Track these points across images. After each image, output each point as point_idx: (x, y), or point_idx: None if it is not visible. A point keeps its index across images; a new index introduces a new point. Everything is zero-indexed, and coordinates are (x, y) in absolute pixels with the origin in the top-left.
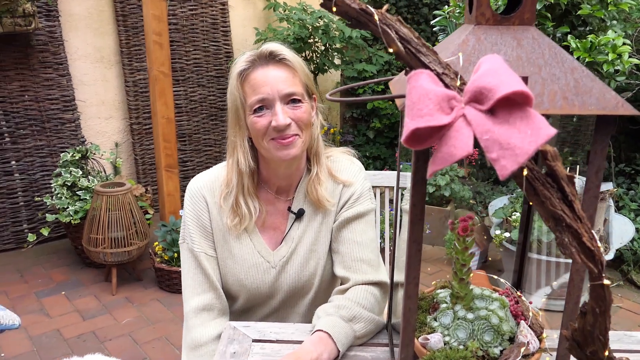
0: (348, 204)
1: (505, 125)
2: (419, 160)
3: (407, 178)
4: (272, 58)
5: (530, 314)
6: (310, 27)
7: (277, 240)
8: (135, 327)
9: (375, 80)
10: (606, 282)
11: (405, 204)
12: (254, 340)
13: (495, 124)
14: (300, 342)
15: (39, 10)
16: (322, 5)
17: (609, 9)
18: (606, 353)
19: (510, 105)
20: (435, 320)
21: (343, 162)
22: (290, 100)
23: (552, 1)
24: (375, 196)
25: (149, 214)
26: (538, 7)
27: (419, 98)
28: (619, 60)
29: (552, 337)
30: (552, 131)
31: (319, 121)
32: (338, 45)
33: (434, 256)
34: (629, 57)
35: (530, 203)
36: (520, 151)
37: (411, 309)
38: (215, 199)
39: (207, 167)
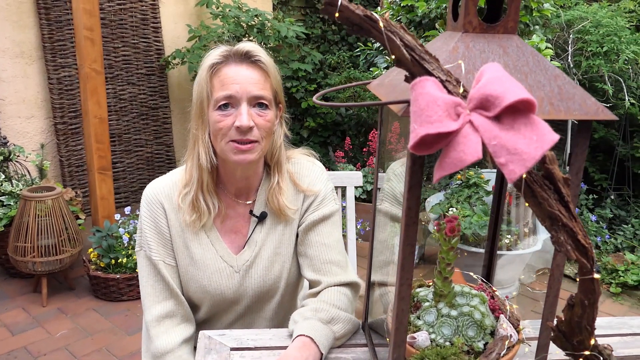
0: (313, 206)
1: (511, 132)
2: (415, 164)
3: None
4: (247, 57)
5: (507, 307)
6: (245, 25)
7: (240, 244)
8: (72, 339)
9: (355, 83)
10: (596, 276)
11: (380, 204)
12: (232, 349)
13: (501, 130)
14: (278, 347)
15: None
16: (323, 10)
17: (533, 14)
18: (592, 341)
19: (515, 112)
20: (419, 318)
21: (304, 164)
22: (257, 103)
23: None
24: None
25: (80, 219)
26: None
27: (427, 105)
28: None
29: (528, 328)
30: (556, 137)
31: (283, 130)
32: (272, 44)
33: None
34: (551, 60)
35: (527, 204)
36: (527, 156)
37: (404, 310)
38: (173, 205)
39: (139, 169)
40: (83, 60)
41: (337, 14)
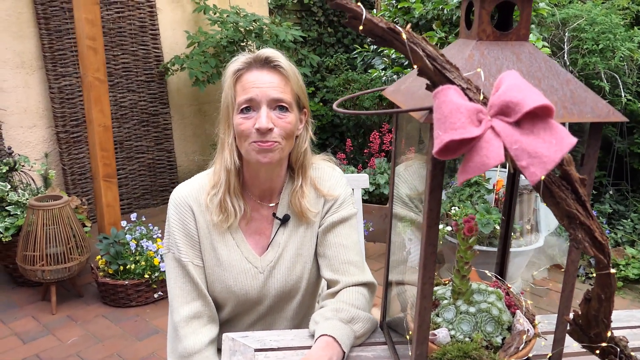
0: (332, 209)
1: (531, 136)
2: (436, 168)
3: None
4: (267, 63)
5: (523, 303)
6: (243, 30)
7: (263, 245)
8: (83, 346)
9: (371, 90)
10: (612, 270)
11: (396, 208)
12: (256, 350)
13: (522, 135)
14: (301, 347)
15: None
16: (347, 23)
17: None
18: (609, 333)
19: (534, 117)
20: (438, 316)
21: (325, 169)
22: (278, 106)
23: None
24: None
25: (86, 226)
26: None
27: (451, 112)
28: None
29: (543, 323)
30: (574, 140)
31: (309, 135)
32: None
33: (377, 252)
34: None
35: (545, 204)
36: (547, 159)
37: (426, 307)
38: (201, 207)
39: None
40: (86, 69)
41: (361, 27)
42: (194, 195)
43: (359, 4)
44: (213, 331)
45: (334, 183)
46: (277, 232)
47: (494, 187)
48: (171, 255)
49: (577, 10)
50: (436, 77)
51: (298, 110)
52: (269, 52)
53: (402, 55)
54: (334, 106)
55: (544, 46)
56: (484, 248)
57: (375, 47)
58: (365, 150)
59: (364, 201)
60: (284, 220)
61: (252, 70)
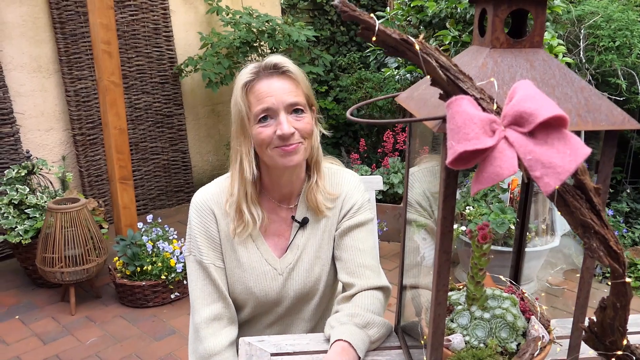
0: (349, 214)
1: (545, 146)
2: (449, 176)
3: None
4: (276, 70)
5: (538, 309)
6: (256, 31)
7: (282, 247)
8: (102, 346)
9: (384, 97)
10: (627, 279)
11: (410, 214)
12: (272, 354)
13: (535, 145)
14: (316, 352)
15: None
16: (359, 34)
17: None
18: (624, 342)
19: (548, 127)
20: (453, 321)
21: (345, 175)
22: (294, 110)
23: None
24: None
25: (104, 228)
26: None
27: (464, 122)
28: None
29: (558, 328)
30: (588, 150)
31: (319, 130)
32: (283, 48)
33: (391, 252)
34: (563, 56)
35: (559, 212)
36: (561, 169)
37: (440, 314)
38: (222, 210)
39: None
40: (101, 73)
41: (374, 38)
42: (215, 198)
43: (372, 15)
44: (233, 333)
45: (353, 187)
46: (296, 234)
47: (508, 186)
48: (193, 257)
49: (593, 6)
50: (449, 87)
51: (310, 109)
52: (276, 58)
53: None
54: (348, 114)
55: (559, 44)
56: (499, 248)
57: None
58: (379, 150)
59: (378, 201)
60: (303, 223)
61: (261, 79)
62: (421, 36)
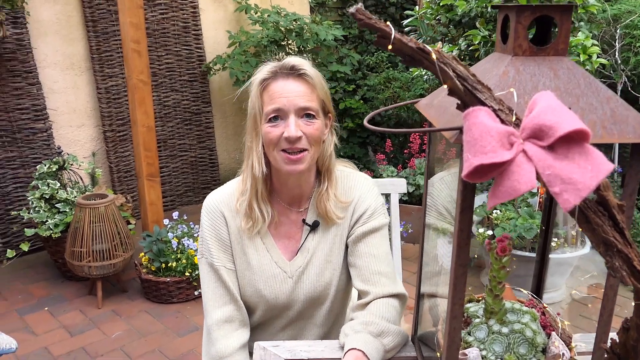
0: (363, 219)
1: (565, 161)
2: (466, 188)
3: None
4: (293, 72)
5: (559, 324)
6: (284, 30)
7: (293, 250)
8: (126, 340)
9: (403, 103)
10: None
11: (432, 220)
12: None
13: (555, 160)
14: (331, 359)
15: (5, 17)
16: (376, 43)
17: (579, 11)
18: None
19: (569, 141)
20: (470, 334)
21: (358, 178)
22: (305, 114)
23: (525, 3)
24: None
25: (131, 224)
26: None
27: (481, 135)
28: (588, 61)
29: (581, 343)
30: (611, 166)
31: (333, 139)
32: (310, 47)
33: (415, 254)
34: (597, 57)
35: (580, 229)
36: (582, 186)
37: (456, 328)
38: (232, 212)
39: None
40: (131, 71)
41: (390, 47)
42: (225, 201)
43: (388, 22)
44: (244, 335)
45: (365, 191)
46: (306, 237)
47: (538, 190)
48: (204, 260)
49: (630, 5)
50: (467, 97)
51: (324, 116)
52: (294, 60)
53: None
54: (365, 122)
55: (593, 44)
56: (526, 254)
57: None
58: (405, 150)
59: (403, 202)
60: (314, 227)
61: (278, 79)
62: (439, 45)
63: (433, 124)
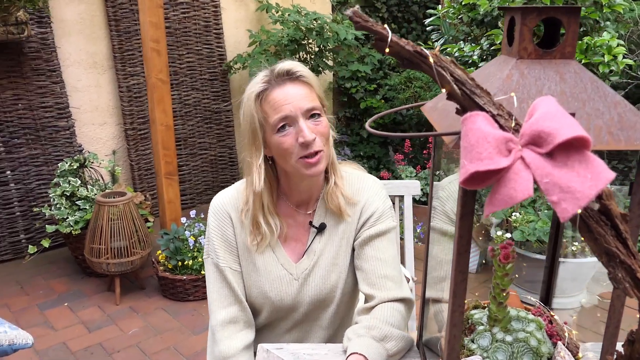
0: (370, 222)
1: (564, 169)
2: (466, 194)
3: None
4: (289, 76)
5: (566, 334)
6: (304, 29)
7: (299, 252)
8: (143, 337)
9: (410, 105)
10: None
11: (435, 222)
12: None
13: (554, 167)
14: None
15: (30, 17)
16: (374, 46)
17: (604, 10)
18: None
19: (568, 148)
20: (473, 342)
21: (366, 180)
22: (311, 115)
23: (548, 3)
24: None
25: (149, 221)
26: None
27: (477, 141)
28: (614, 61)
29: (589, 353)
30: (612, 175)
31: (332, 132)
32: (331, 46)
33: None
34: (623, 57)
35: (582, 239)
36: (581, 195)
37: (456, 336)
38: (238, 215)
39: (203, 171)
40: (150, 70)
41: (387, 49)
42: (232, 202)
43: (385, 25)
44: (249, 337)
45: (373, 194)
46: (313, 239)
47: None
48: (210, 260)
49: None
50: (465, 101)
51: (324, 111)
52: (288, 64)
53: (465, 54)
54: (367, 126)
55: (619, 44)
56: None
57: (438, 44)
58: (425, 151)
59: (420, 202)
60: (321, 229)
61: (274, 87)
62: (437, 48)
63: (435, 127)
